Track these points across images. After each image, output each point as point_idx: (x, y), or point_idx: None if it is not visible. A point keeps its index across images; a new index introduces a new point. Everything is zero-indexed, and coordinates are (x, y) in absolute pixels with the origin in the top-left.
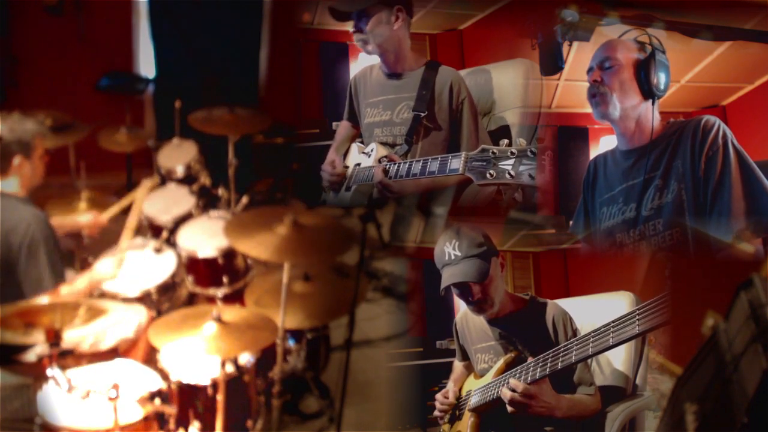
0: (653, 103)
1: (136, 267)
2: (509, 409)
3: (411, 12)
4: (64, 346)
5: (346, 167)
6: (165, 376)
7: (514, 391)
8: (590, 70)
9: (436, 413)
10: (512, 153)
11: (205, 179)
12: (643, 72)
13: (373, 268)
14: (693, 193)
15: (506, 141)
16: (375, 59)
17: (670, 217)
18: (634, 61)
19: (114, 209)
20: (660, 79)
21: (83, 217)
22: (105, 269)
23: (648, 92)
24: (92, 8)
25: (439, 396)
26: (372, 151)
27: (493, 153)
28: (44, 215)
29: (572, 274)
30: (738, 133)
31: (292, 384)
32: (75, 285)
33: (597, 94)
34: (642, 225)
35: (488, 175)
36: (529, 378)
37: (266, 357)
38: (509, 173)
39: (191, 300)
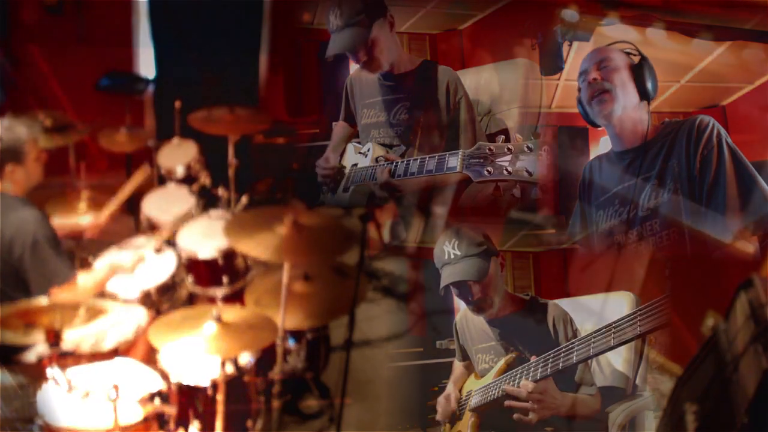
0: (648, 105)
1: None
2: (525, 419)
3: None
4: (64, 346)
5: (344, 167)
6: (165, 376)
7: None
8: (583, 73)
9: (438, 417)
10: (509, 149)
11: (205, 179)
12: (639, 74)
13: (373, 268)
14: (689, 193)
15: (502, 137)
16: None
17: (666, 217)
18: (629, 64)
19: (111, 207)
20: (653, 82)
21: (83, 218)
22: (125, 261)
23: (644, 93)
24: (92, 8)
25: (441, 400)
26: (369, 151)
27: (490, 150)
28: (42, 214)
29: (572, 274)
30: (737, 133)
31: (292, 384)
32: (94, 272)
33: (601, 92)
34: (639, 225)
35: (486, 172)
36: (530, 378)
37: (266, 357)
38: (506, 169)
39: (191, 300)
